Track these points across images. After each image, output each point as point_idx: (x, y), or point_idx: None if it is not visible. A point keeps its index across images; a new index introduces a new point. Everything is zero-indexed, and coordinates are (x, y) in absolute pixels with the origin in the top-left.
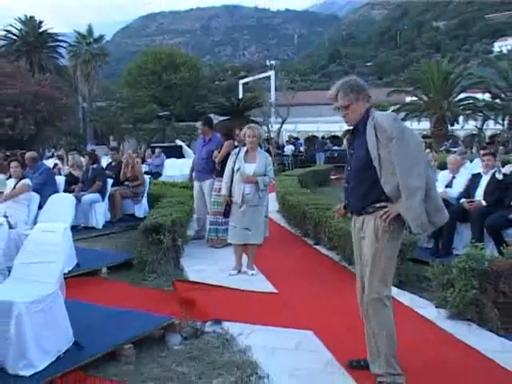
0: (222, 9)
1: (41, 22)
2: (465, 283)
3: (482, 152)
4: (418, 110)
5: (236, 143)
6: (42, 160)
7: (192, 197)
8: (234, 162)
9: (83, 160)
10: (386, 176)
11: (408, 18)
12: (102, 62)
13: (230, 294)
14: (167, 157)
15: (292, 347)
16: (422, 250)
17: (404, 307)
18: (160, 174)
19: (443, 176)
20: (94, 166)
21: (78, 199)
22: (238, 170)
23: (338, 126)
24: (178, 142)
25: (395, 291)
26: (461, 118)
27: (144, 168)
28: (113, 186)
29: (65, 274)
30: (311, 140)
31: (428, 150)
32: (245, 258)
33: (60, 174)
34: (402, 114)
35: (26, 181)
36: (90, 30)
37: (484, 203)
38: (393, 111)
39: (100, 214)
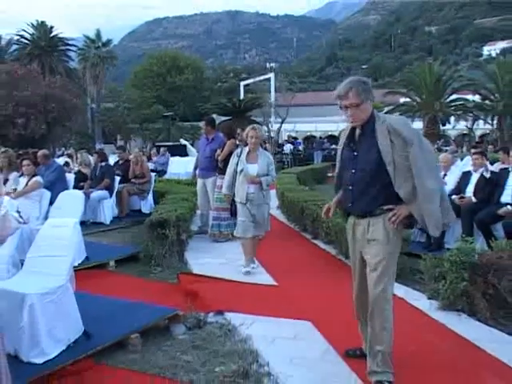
0: (224, 14)
1: (52, 27)
2: (456, 276)
3: (472, 151)
4: (411, 111)
5: (238, 142)
6: (53, 158)
7: (195, 193)
8: (237, 163)
9: (92, 158)
10: (400, 180)
11: (401, 23)
12: (110, 64)
13: (231, 286)
14: (172, 155)
15: (291, 337)
16: (415, 244)
17: (398, 299)
18: (165, 172)
19: None
20: (102, 164)
21: (87, 196)
22: (242, 171)
23: (335, 125)
24: (182, 141)
25: None
26: (452, 119)
27: (150, 166)
28: (120, 183)
29: (74, 266)
30: (309, 139)
31: None
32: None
33: (70, 172)
34: (396, 115)
35: (38, 178)
36: (98, 35)
37: (474, 199)
38: (387, 112)
39: (108, 209)
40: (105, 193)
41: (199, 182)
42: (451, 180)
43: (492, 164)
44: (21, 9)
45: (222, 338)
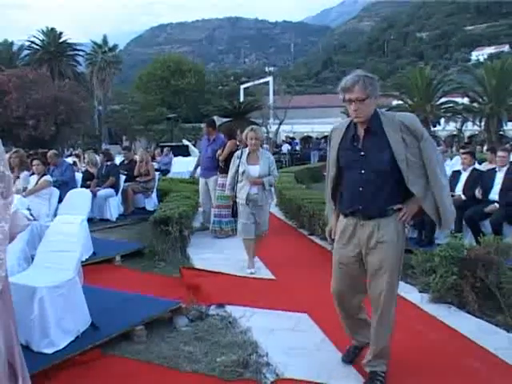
0: (225, 20)
1: (61, 33)
2: (446, 270)
3: (461, 151)
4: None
5: (237, 143)
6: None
7: (197, 191)
8: (238, 165)
9: (98, 158)
10: (414, 177)
11: (394, 30)
12: (116, 69)
13: (232, 280)
14: (175, 155)
15: (289, 328)
16: (407, 239)
17: None
18: (168, 171)
19: None
20: (108, 163)
21: (94, 194)
22: (244, 173)
23: (331, 127)
24: (185, 142)
25: None
26: (442, 120)
27: (154, 165)
28: (125, 181)
29: (82, 261)
30: (306, 140)
31: None
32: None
33: (77, 171)
34: None
35: (47, 177)
36: (105, 40)
37: (463, 197)
38: None
39: (114, 207)
40: (111, 191)
41: (201, 180)
42: None
43: (480, 164)
44: (32, 17)
45: (222, 330)
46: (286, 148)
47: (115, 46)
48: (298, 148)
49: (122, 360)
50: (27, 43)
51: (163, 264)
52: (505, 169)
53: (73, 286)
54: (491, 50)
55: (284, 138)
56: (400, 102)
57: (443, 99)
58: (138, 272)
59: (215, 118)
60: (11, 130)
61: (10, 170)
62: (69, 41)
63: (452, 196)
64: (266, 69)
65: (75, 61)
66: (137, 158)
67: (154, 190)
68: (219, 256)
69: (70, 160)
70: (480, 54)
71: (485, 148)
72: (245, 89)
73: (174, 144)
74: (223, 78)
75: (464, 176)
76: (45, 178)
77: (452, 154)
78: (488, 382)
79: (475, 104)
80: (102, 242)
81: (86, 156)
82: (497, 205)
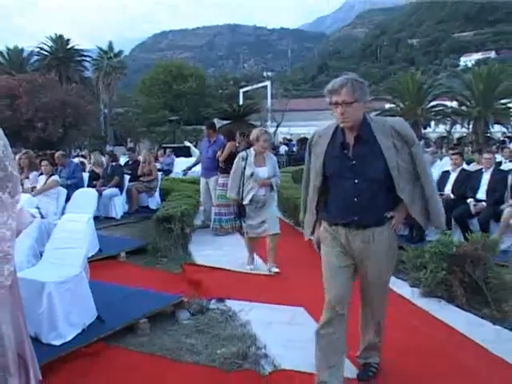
0: (225, 27)
1: (68, 40)
2: (435, 265)
3: (450, 152)
4: (395, 116)
5: (237, 144)
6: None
7: (198, 191)
8: (244, 167)
9: (104, 159)
10: (403, 184)
11: (386, 36)
12: (121, 73)
13: (232, 275)
14: (177, 156)
15: (286, 321)
16: (398, 236)
17: None
18: (170, 171)
19: None
20: (113, 163)
21: (100, 193)
22: (251, 175)
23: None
24: (186, 143)
25: None
26: (432, 123)
27: (157, 166)
28: (130, 181)
29: (88, 258)
30: (303, 141)
31: None
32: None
33: (84, 171)
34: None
35: (55, 177)
36: (110, 46)
37: (452, 196)
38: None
39: (119, 206)
40: (116, 190)
41: (202, 180)
42: None
43: (468, 164)
44: (41, 24)
45: (223, 323)
46: (283, 149)
47: (120, 52)
48: (294, 149)
49: (126, 352)
50: (37, 49)
51: (166, 260)
52: (491, 170)
53: (79, 281)
54: (478, 56)
55: (281, 140)
56: (392, 106)
57: (433, 103)
58: (142, 268)
59: (215, 120)
60: (21, 132)
61: (20, 170)
62: (76, 47)
63: (441, 195)
64: (264, 73)
65: (82, 66)
66: (140, 158)
67: (157, 189)
68: (219, 252)
69: (76, 161)
70: (468, 60)
71: (470, 149)
72: (244, 92)
73: (175, 145)
74: (223, 82)
75: (453, 176)
76: (53, 177)
77: (442, 155)
78: (481, 377)
79: (463, 107)
80: (108, 239)
81: (92, 157)
82: (484, 203)
